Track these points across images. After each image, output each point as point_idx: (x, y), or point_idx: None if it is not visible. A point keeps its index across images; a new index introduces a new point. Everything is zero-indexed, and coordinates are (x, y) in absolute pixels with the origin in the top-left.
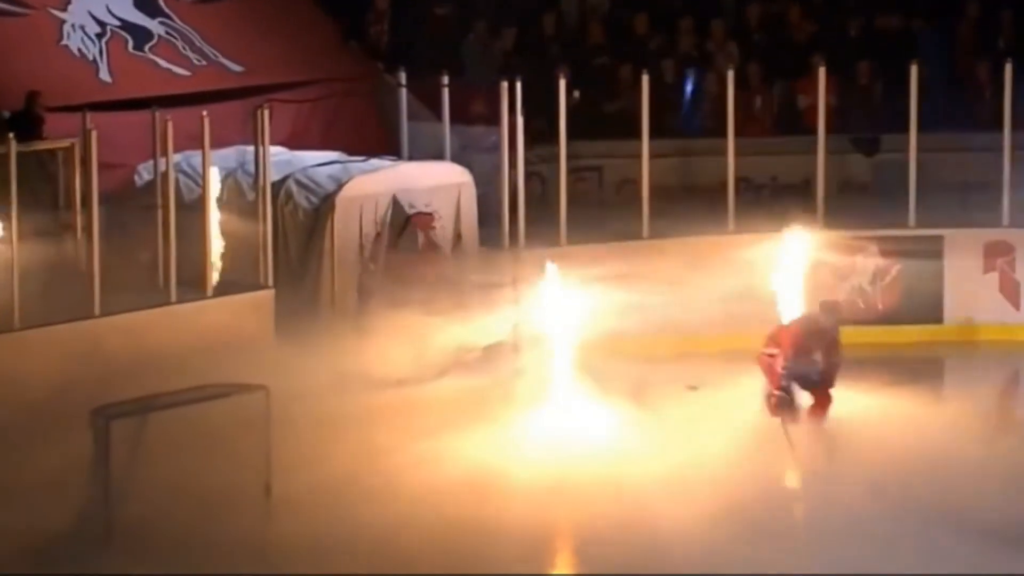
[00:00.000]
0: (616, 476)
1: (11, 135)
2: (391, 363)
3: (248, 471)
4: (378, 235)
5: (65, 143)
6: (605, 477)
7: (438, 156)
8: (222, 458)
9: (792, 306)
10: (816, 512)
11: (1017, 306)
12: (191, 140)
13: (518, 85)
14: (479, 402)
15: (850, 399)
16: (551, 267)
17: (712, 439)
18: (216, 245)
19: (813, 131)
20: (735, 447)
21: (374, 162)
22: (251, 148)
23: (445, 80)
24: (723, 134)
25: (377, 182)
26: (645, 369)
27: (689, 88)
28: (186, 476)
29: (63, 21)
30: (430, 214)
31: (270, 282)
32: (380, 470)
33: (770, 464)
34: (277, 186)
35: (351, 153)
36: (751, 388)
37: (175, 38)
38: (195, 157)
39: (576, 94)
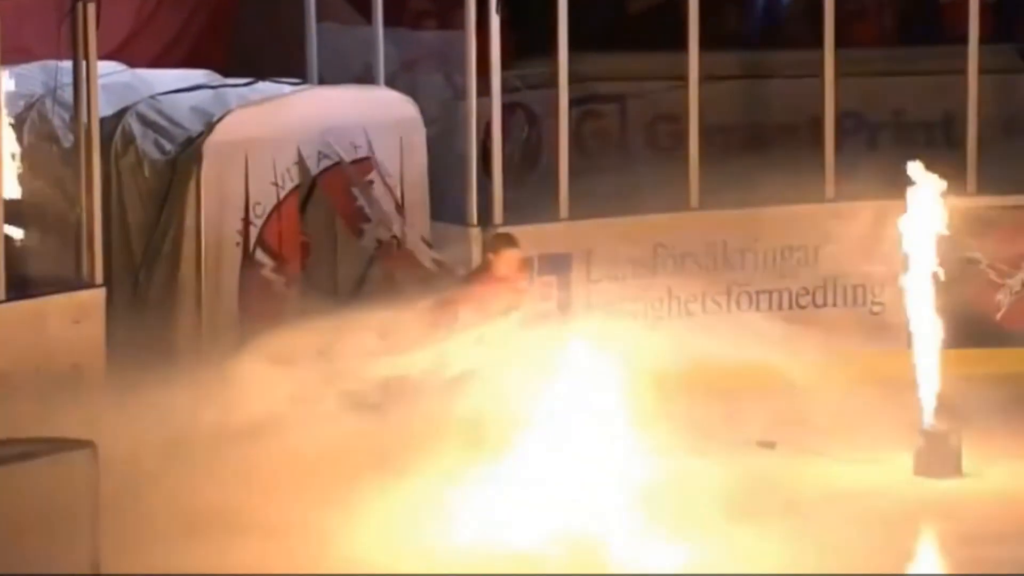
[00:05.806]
0: None
1: None
2: (280, 402)
3: (67, 558)
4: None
5: None
6: None
7: (366, 78)
8: (29, 541)
9: (927, 317)
10: None
11: None
12: None
13: None
14: (406, 460)
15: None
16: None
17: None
18: (13, 219)
19: (961, 40)
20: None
21: (265, 86)
22: (68, 64)
23: None
24: (816, 45)
25: (270, 118)
26: (677, 411)
27: None
28: None
29: None
30: (366, 159)
31: (99, 278)
32: (245, 565)
33: None
34: (111, 124)
35: (226, 72)
36: (860, 451)
37: None
38: None
39: None
